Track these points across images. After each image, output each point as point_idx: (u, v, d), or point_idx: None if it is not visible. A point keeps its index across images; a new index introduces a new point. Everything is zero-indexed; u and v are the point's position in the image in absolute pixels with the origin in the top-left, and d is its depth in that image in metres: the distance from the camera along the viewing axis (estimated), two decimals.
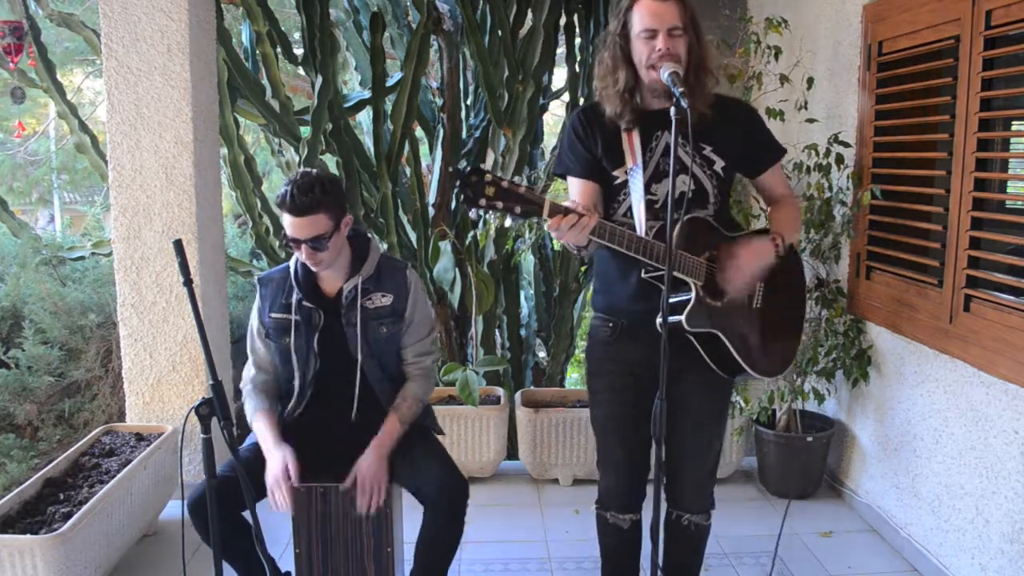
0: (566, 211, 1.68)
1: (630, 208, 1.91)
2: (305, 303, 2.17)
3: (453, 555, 2.19)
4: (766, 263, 1.91)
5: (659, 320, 1.86)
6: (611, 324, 2.02)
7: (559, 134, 2.06)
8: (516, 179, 1.70)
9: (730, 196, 2.05)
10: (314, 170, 2.09)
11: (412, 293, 2.25)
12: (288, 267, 2.23)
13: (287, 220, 2.05)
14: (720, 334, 1.89)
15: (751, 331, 1.96)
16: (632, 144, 1.90)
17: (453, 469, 2.18)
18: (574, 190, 1.97)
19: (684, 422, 2.01)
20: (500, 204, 1.64)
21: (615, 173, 1.94)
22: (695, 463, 2.08)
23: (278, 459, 2.07)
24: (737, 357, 1.91)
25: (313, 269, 2.15)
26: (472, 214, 1.69)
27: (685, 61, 1.82)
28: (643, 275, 1.88)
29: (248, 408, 2.24)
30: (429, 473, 2.15)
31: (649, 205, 1.89)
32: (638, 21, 1.83)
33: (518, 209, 1.66)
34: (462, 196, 1.63)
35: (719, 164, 1.93)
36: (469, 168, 1.63)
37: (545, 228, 1.74)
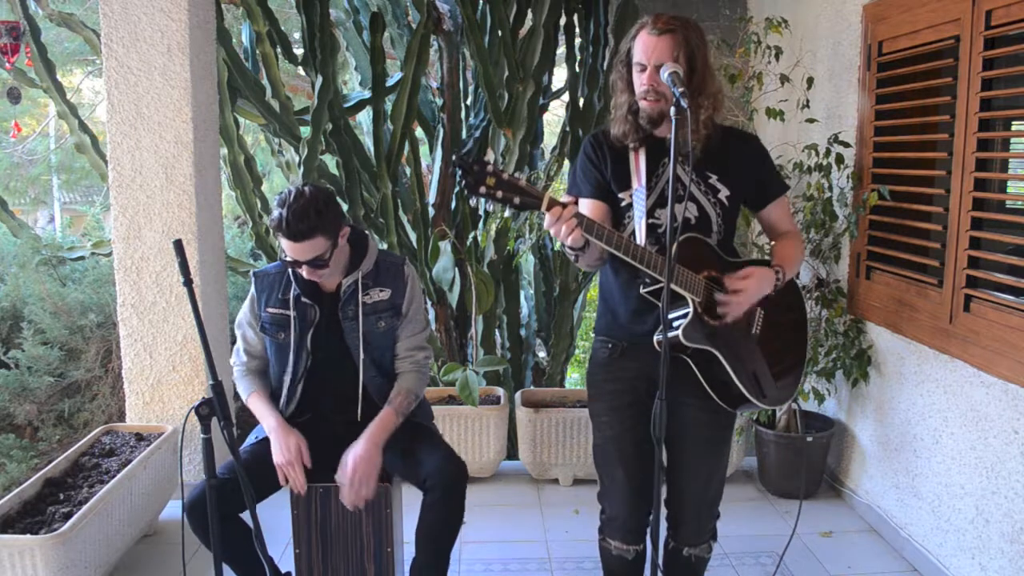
0: (563, 205, 1.70)
1: (634, 233, 1.93)
2: (303, 299, 2.18)
3: (454, 540, 2.18)
4: (764, 290, 1.92)
5: (656, 337, 1.88)
6: (611, 345, 2.02)
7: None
8: (517, 174, 1.72)
9: (735, 232, 2.05)
10: (306, 188, 2.05)
11: (410, 287, 2.26)
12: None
13: (285, 244, 2.05)
14: (717, 353, 1.88)
15: (749, 356, 1.96)
16: (638, 166, 1.92)
17: (453, 455, 2.18)
18: (583, 210, 1.97)
19: (685, 454, 2.01)
20: (499, 194, 1.66)
21: (621, 195, 1.96)
22: (696, 495, 2.07)
23: (291, 444, 2.09)
24: (736, 380, 1.90)
25: (318, 281, 2.16)
26: (471, 202, 1.72)
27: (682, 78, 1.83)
28: (641, 291, 1.88)
29: (241, 388, 2.25)
30: (429, 459, 2.15)
31: (651, 229, 1.90)
32: (636, 52, 1.86)
33: (516, 200, 1.68)
34: (463, 183, 1.66)
35: (724, 193, 1.94)
36: (471, 157, 1.65)
37: (544, 226, 1.75)
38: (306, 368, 2.22)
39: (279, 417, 2.15)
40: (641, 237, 1.88)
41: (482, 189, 1.65)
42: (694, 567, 2.13)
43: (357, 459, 2.09)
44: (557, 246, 4.56)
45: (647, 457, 1.98)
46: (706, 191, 1.94)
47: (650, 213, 1.91)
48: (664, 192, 1.91)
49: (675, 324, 1.85)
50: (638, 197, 1.91)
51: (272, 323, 2.21)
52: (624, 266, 1.89)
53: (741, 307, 1.89)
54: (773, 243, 2.09)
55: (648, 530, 2.00)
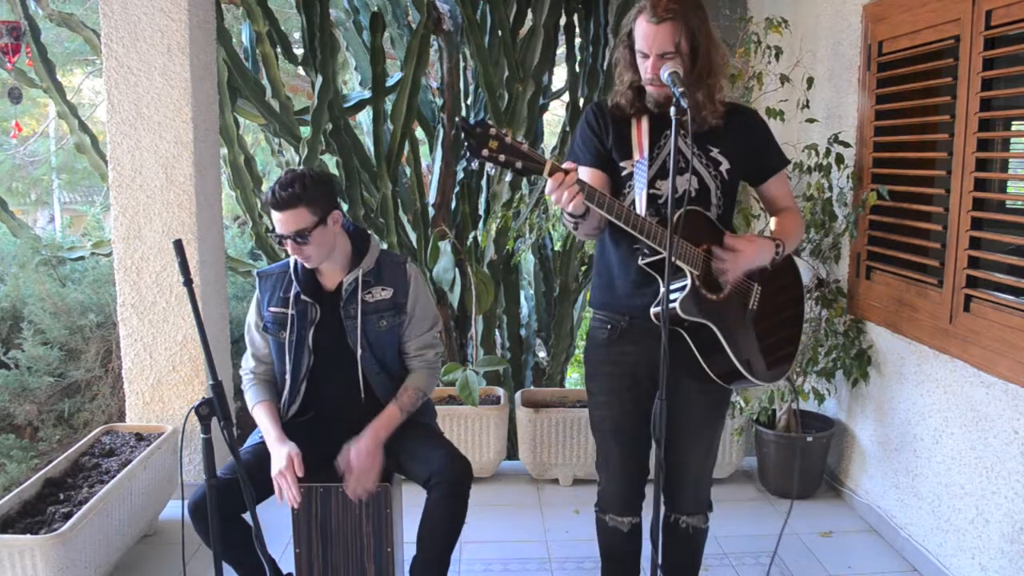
0: (566, 171, 1.70)
1: (634, 202, 1.93)
2: (303, 297, 2.18)
3: (456, 539, 2.17)
4: (762, 259, 1.92)
5: (653, 310, 1.88)
6: (609, 326, 2.02)
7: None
8: (520, 138, 1.73)
9: (735, 207, 2.06)
10: (302, 168, 2.11)
11: (413, 287, 2.25)
12: (288, 263, 2.24)
13: (273, 216, 2.08)
14: (713, 327, 1.88)
15: (746, 332, 1.96)
16: (640, 138, 1.92)
17: (457, 453, 2.18)
18: (583, 178, 1.97)
19: (682, 426, 2.01)
20: (501, 157, 1.66)
21: (622, 164, 1.95)
22: (693, 466, 2.08)
23: (283, 453, 2.07)
24: (732, 355, 1.90)
25: (307, 265, 2.16)
26: (474, 164, 1.72)
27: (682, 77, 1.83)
28: (640, 262, 1.88)
29: (249, 397, 2.25)
30: (433, 458, 2.15)
31: (652, 199, 1.91)
32: (637, 38, 1.85)
33: (518, 164, 1.68)
34: (466, 145, 1.66)
35: (724, 165, 1.95)
36: (475, 121, 1.66)
37: (545, 191, 1.75)
38: (309, 367, 2.22)
39: (279, 431, 2.14)
40: (641, 208, 1.88)
41: (484, 152, 1.65)
42: (692, 538, 2.14)
43: (360, 451, 2.09)
44: (557, 246, 4.57)
45: (643, 436, 2.01)
46: (707, 164, 1.94)
47: (651, 184, 1.91)
48: (666, 164, 1.91)
49: (672, 297, 1.84)
50: (639, 168, 1.91)
51: (274, 322, 2.21)
52: (624, 237, 1.89)
53: (738, 267, 1.88)
54: (773, 218, 2.09)
55: (645, 512, 2.01)
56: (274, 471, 2.07)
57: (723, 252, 1.88)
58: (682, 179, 1.85)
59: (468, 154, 1.66)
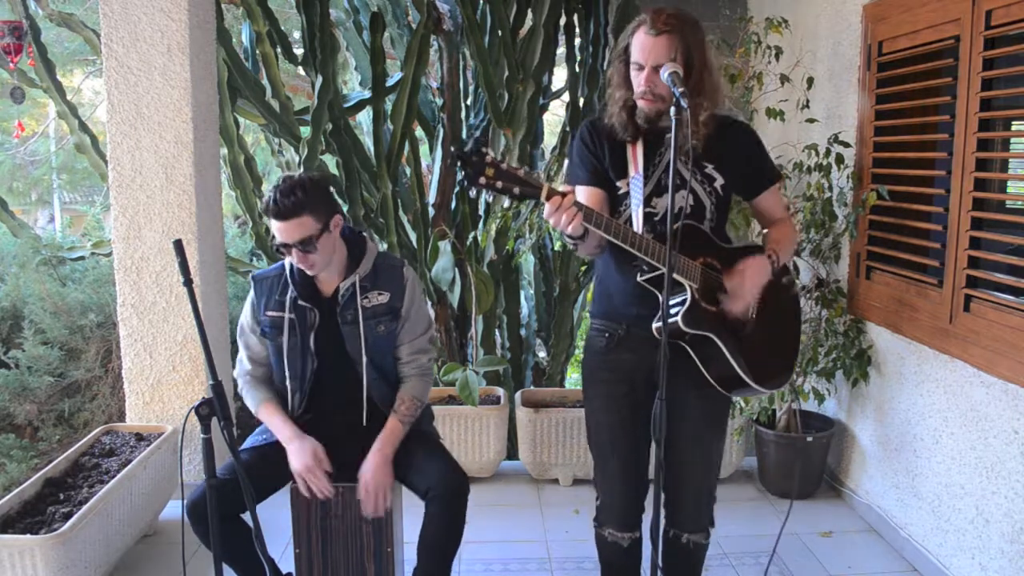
0: (563, 194, 1.70)
1: (631, 220, 1.93)
2: (300, 302, 2.17)
3: (455, 550, 2.18)
4: (764, 280, 1.93)
5: (655, 325, 1.88)
6: (607, 334, 2.02)
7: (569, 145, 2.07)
8: (515, 164, 1.72)
9: (727, 218, 2.06)
10: (298, 173, 2.08)
11: (409, 290, 2.24)
12: (283, 265, 2.22)
13: (274, 226, 2.05)
14: (715, 338, 1.89)
15: (746, 340, 1.96)
16: (636, 155, 1.93)
17: (454, 465, 2.18)
18: (580, 197, 1.97)
19: (683, 439, 2.01)
20: (499, 184, 1.66)
21: (618, 184, 1.96)
22: (694, 481, 2.07)
23: (307, 448, 2.08)
24: (733, 364, 1.90)
25: (309, 272, 2.14)
26: (472, 193, 1.72)
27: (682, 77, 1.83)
28: (639, 279, 1.89)
29: (250, 400, 2.24)
30: (431, 470, 2.15)
31: (648, 217, 1.91)
32: (633, 51, 1.86)
33: (516, 190, 1.68)
34: (462, 174, 1.66)
35: (719, 181, 1.96)
36: (470, 148, 1.65)
37: (543, 215, 1.75)
38: (313, 370, 2.21)
39: (293, 427, 2.14)
40: (638, 225, 1.89)
41: (481, 180, 1.65)
42: (693, 553, 2.13)
43: (370, 474, 2.11)
44: (557, 246, 4.56)
45: (642, 446, 2.00)
46: (702, 180, 1.95)
47: (646, 202, 1.91)
48: (661, 181, 1.92)
49: (673, 311, 1.85)
50: (635, 185, 1.91)
51: (271, 326, 2.20)
52: (623, 253, 1.89)
53: (745, 300, 1.90)
54: (765, 230, 2.10)
55: (645, 524, 2.00)
56: (297, 466, 2.08)
57: (730, 283, 1.88)
58: (678, 196, 1.85)
59: (465, 183, 1.66)
